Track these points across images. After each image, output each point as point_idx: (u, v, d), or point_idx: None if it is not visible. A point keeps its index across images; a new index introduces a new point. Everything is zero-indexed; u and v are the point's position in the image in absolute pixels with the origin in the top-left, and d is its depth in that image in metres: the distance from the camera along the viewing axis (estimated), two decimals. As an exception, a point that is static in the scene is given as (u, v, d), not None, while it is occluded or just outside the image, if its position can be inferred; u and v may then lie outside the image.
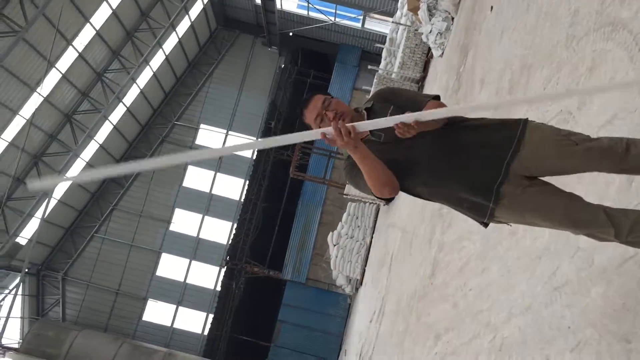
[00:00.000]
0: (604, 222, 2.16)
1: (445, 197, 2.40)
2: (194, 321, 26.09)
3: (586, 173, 2.40)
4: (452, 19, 12.95)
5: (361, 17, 24.63)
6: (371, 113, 2.45)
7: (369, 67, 19.16)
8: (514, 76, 5.82)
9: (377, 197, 2.39)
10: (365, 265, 18.41)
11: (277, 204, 24.93)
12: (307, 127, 2.49)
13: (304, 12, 25.12)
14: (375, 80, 17.09)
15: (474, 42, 9.18)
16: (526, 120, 2.31)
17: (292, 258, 23.07)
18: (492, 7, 8.25)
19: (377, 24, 25.19)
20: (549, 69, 4.60)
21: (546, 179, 2.33)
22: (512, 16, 6.78)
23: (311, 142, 24.08)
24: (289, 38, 26.29)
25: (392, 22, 17.97)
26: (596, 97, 3.45)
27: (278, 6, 23.83)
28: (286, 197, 25.01)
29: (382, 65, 18.69)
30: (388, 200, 2.49)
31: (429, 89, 14.85)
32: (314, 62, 27.03)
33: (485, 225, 2.39)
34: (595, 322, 2.64)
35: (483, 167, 2.26)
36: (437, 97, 2.41)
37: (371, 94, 2.68)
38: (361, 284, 18.81)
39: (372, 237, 18.88)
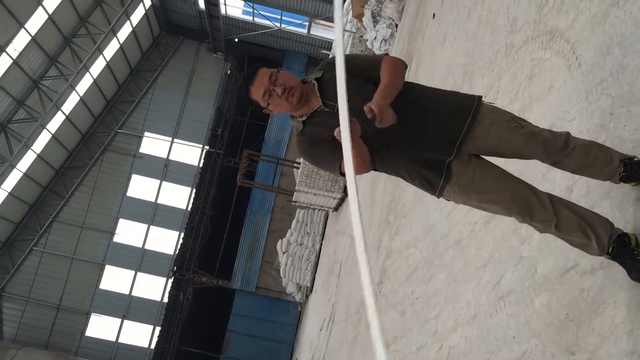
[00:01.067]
0: (548, 210, 2.18)
1: (398, 171, 2.39)
2: (140, 335, 25.31)
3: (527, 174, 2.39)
4: (396, 25, 13.09)
5: (307, 24, 24.65)
6: (322, 82, 2.38)
7: (315, 73, 19.14)
8: (456, 83, 5.87)
9: (341, 175, 2.30)
10: (315, 273, 18.34)
11: (225, 212, 24.53)
12: (254, 104, 2.36)
13: (249, 18, 24.91)
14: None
15: (418, 48, 9.28)
16: (480, 99, 2.32)
17: (241, 267, 22.74)
18: (434, 15, 8.35)
19: (322, 31, 25.25)
20: (489, 76, 4.64)
21: (491, 160, 2.35)
22: (453, 23, 6.86)
23: (258, 149, 23.92)
24: (234, 44, 26.00)
25: (338, 28, 18.00)
26: (535, 106, 3.48)
27: (222, 12, 23.53)
28: (234, 205, 24.67)
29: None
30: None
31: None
32: (261, 69, 26.77)
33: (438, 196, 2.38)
34: (540, 332, 2.63)
35: (436, 144, 2.26)
36: (386, 54, 2.39)
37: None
38: (311, 291, 18.72)
39: (321, 244, 18.83)
